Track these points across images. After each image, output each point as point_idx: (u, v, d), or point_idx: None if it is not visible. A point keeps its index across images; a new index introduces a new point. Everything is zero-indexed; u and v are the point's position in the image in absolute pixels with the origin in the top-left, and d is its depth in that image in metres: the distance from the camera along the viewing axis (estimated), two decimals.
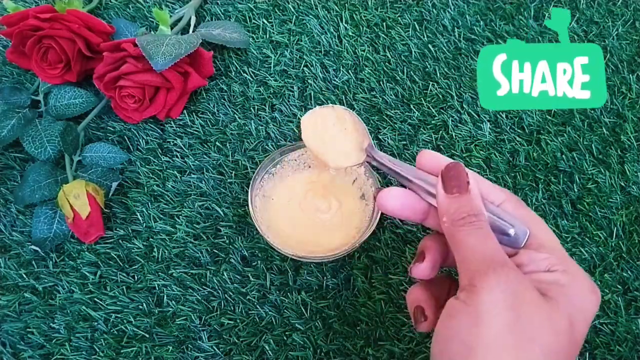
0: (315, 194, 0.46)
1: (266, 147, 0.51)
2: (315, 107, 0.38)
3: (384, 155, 0.34)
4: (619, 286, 0.44)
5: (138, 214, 0.47)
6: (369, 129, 0.51)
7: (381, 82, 0.54)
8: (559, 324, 0.26)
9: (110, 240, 0.46)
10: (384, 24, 0.58)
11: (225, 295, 0.44)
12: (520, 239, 0.29)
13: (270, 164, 0.47)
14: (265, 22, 0.58)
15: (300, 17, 0.59)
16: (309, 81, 0.54)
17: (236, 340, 0.42)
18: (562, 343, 0.26)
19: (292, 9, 0.59)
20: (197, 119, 0.52)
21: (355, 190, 0.47)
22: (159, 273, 0.45)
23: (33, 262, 0.45)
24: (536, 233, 0.29)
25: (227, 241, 0.46)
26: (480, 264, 0.27)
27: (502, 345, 0.25)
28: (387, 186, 0.34)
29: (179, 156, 0.50)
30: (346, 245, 0.43)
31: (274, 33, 0.57)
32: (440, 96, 0.53)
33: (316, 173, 0.47)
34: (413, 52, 0.56)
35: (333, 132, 0.36)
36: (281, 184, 0.47)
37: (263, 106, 0.53)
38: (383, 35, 0.57)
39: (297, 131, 0.52)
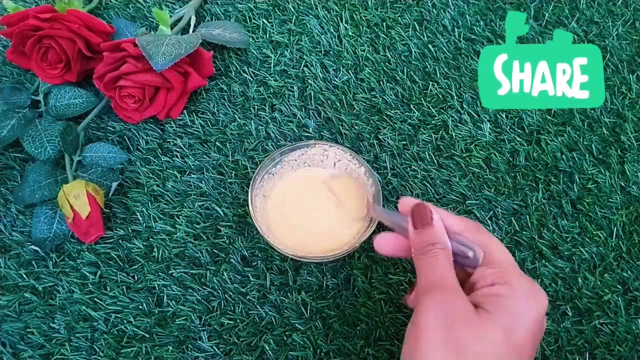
0: (317, 195, 0.46)
1: (266, 147, 0.51)
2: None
3: (380, 209, 0.42)
4: (619, 286, 0.44)
5: (138, 214, 0.47)
6: (368, 129, 0.52)
7: (381, 82, 0.54)
8: (492, 334, 0.29)
9: (110, 240, 0.46)
10: (384, 24, 0.58)
11: (225, 295, 0.44)
12: (477, 259, 0.33)
13: (271, 164, 0.47)
14: (265, 22, 0.58)
15: (300, 17, 0.59)
16: (309, 81, 0.54)
17: (236, 340, 0.42)
18: (498, 349, 0.29)
19: (292, 9, 0.59)
20: (197, 119, 0.52)
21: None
22: (159, 273, 0.45)
23: (33, 262, 0.45)
24: (491, 252, 0.34)
25: (227, 241, 0.46)
26: (423, 288, 0.32)
27: (439, 357, 0.29)
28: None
29: (179, 156, 0.50)
30: (346, 245, 0.43)
31: (274, 33, 0.57)
32: (440, 96, 0.53)
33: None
34: (413, 52, 0.56)
35: (350, 193, 0.46)
36: (281, 184, 0.47)
37: (263, 106, 0.53)
38: (383, 35, 0.57)
39: (297, 131, 0.52)
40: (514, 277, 0.32)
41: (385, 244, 0.37)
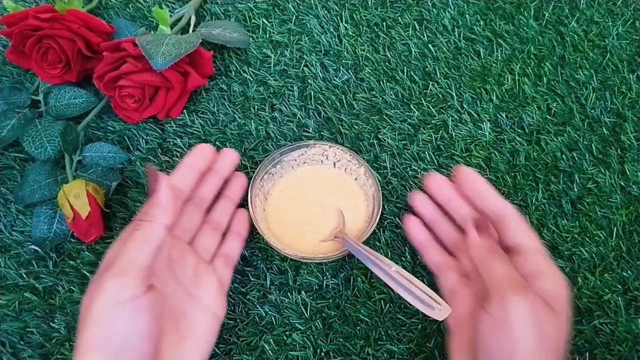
0: (316, 195, 0.46)
1: (266, 147, 0.51)
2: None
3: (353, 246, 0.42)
4: (619, 286, 0.44)
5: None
6: (368, 129, 0.52)
7: (381, 82, 0.54)
8: (564, 332, 0.34)
9: (110, 240, 0.46)
10: (384, 23, 0.58)
11: None
12: (443, 315, 0.37)
13: (270, 164, 0.47)
14: (265, 22, 0.58)
15: (300, 17, 0.59)
16: (309, 81, 0.54)
17: (236, 340, 0.42)
18: (564, 344, 0.34)
19: (292, 9, 0.59)
20: (197, 119, 0.52)
21: (355, 190, 0.47)
22: None
23: (33, 262, 0.45)
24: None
25: None
26: (508, 286, 0.34)
27: (533, 355, 0.32)
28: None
29: (179, 156, 0.50)
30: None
31: (274, 33, 0.57)
32: (440, 96, 0.53)
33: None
34: (413, 52, 0.56)
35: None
36: (281, 184, 0.47)
37: (263, 106, 0.53)
38: (383, 35, 0.57)
39: (297, 131, 0.52)
40: (552, 266, 0.37)
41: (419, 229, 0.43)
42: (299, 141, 0.49)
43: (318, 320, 0.43)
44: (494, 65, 0.55)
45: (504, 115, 0.52)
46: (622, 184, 0.49)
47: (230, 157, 0.45)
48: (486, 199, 0.40)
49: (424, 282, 0.39)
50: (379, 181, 0.46)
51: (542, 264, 0.36)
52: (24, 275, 0.45)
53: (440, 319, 0.37)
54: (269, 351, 0.42)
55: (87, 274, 0.44)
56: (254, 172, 0.46)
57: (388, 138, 0.51)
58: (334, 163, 0.48)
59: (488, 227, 0.38)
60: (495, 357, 0.33)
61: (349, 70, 0.55)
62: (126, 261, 0.32)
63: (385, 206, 0.47)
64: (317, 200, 0.46)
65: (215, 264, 0.41)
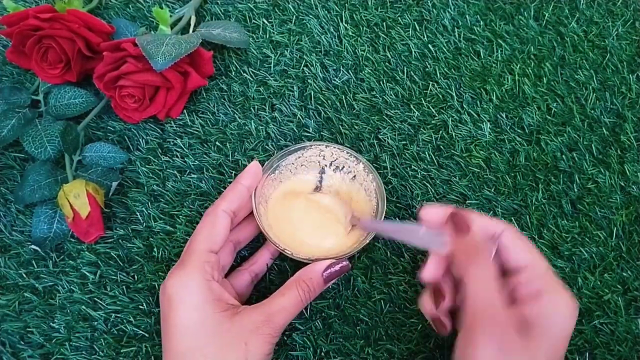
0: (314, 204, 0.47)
1: (266, 147, 0.51)
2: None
3: (378, 222, 0.43)
4: (619, 286, 0.44)
5: (138, 213, 0.47)
6: (368, 129, 0.52)
7: (381, 82, 0.54)
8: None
9: (110, 240, 0.46)
10: (384, 24, 0.58)
11: None
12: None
13: (269, 170, 0.46)
14: (265, 22, 0.58)
15: (300, 17, 0.59)
16: (309, 81, 0.54)
17: None
18: None
19: (292, 9, 0.59)
20: (197, 119, 0.52)
21: (356, 187, 0.47)
22: (159, 273, 0.45)
23: (33, 262, 0.45)
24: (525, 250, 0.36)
25: None
26: (472, 318, 0.32)
27: None
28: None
29: (179, 156, 0.50)
30: (349, 248, 0.43)
31: (274, 33, 0.57)
32: (440, 96, 0.53)
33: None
34: (413, 52, 0.56)
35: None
36: (281, 188, 0.47)
37: (263, 106, 0.53)
38: (383, 35, 0.57)
39: (297, 131, 0.52)
40: (557, 285, 0.34)
41: (433, 269, 0.37)
42: (295, 144, 0.48)
43: (318, 320, 0.43)
44: (494, 65, 0.55)
45: (504, 116, 0.52)
46: (622, 184, 0.49)
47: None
48: (474, 221, 0.36)
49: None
50: (378, 176, 0.46)
51: (544, 284, 0.34)
52: (24, 275, 0.45)
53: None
54: None
55: (87, 274, 0.45)
56: None
57: (388, 138, 0.51)
58: (331, 163, 0.48)
59: (463, 223, 0.36)
60: None
61: (349, 71, 0.55)
62: None
63: (386, 206, 0.47)
64: (319, 202, 0.46)
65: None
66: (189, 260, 0.37)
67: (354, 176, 0.47)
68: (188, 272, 0.36)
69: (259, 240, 0.46)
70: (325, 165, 0.48)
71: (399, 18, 0.59)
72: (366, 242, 0.43)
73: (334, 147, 0.47)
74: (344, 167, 0.47)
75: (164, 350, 0.36)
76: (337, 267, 0.39)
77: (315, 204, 0.46)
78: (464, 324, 0.33)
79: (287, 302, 0.36)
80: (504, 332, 0.32)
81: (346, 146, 0.48)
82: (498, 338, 0.31)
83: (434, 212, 0.38)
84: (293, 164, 0.47)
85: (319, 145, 0.47)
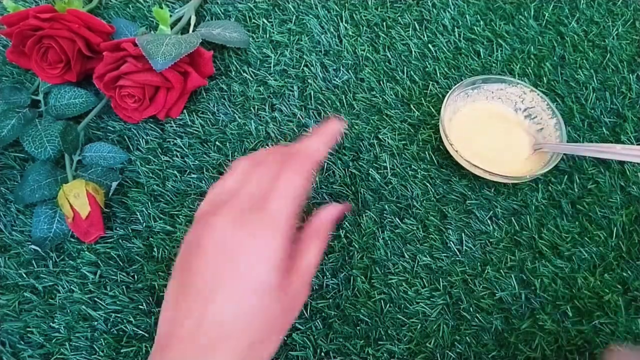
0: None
1: (266, 147, 0.51)
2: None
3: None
4: (619, 286, 0.44)
5: (138, 213, 0.47)
6: (368, 129, 0.52)
7: (381, 82, 0.54)
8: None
9: (110, 240, 0.46)
10: (384, 23, 0.58)
11: None
12: None
13: (470, 86, 0.49)
14: (265, 21, 0.58)
15: (300, 16, 0.59)
16: (309, 81, 0.54)
17: None
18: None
19: (292, 9, 0.59)
20: (197, 119, 0.52)
21: (540, 139, 0.49)
22: (159, 272, 0.45)
23: (33, 262, 0.45)
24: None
25: None
26: None
27: None
28: None
29: (179, 156, 0.50)
30: (538, 167, 0.46)
31: (274, 33, 0.57)
32: (440, 96, 0.53)
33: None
34: (413, 52, 0.56)
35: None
36: (472, 105, 0.50)
37: (263, 106, 0.53)
38: (383, 35, 0.57)
39: (297, 131, 0.52)
40: None
41: None
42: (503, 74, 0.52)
43: (318, 320, 0.43)
44: (494, 65, 0.55)
45: None
46: (622, 184, 0.49)
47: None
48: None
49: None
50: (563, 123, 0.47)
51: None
52: (24, 275, 0.45)
53: None
54: None
55: (87, 274, 0.45)
56: None
57: (388, 138, 0.51)
58: (526, 109, 0.49)
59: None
60: None
61: (349, 70, 0.55)
62: None
63: (386, 206, 0.47)
64: (504, 126, 0.49)
65: None
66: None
67: (542, 128, 0.48)
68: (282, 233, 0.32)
69: None
70: (519, 109, 0.49)
71: (399, 18, 0.59)
72: (552, 164, 0.45)
73: (537, 94, 0.48)
74: (536, 116, 0.49)
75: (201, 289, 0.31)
76: (340, 209, 0.37)
77: (503, 124, 0.49)
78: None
79: (313, 258, 0.34)
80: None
81: (545, 95, 0.49)
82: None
83: None
84: (492, 92, 0.49)
85: (525, 87, 0.49)
